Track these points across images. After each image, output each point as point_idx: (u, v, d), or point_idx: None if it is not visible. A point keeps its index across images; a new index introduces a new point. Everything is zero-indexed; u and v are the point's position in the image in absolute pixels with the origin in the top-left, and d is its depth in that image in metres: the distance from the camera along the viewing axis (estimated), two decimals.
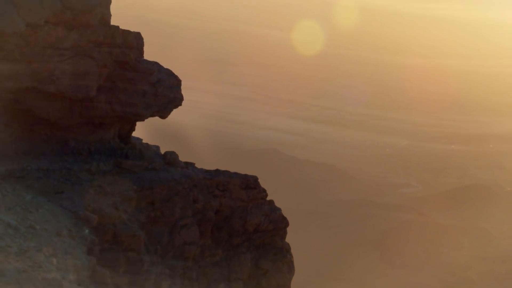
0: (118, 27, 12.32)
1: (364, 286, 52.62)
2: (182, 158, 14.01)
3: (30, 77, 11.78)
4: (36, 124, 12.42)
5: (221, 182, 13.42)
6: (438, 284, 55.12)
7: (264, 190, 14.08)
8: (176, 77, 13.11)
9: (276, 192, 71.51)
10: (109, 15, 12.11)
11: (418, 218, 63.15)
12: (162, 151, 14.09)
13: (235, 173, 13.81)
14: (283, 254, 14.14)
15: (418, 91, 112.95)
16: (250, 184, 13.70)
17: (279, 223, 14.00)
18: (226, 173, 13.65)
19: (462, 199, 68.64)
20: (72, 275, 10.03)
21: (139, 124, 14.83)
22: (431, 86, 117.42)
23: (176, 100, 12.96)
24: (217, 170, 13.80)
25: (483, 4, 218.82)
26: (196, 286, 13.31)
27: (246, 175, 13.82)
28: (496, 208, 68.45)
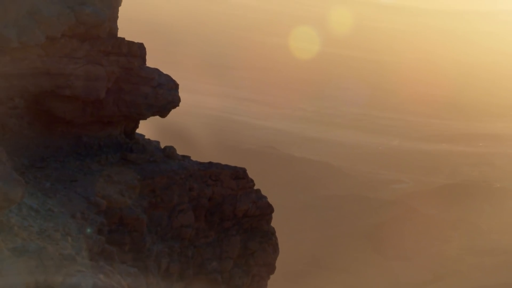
0: (124, 38, 13.11)
1: (357, 275, 52.16)
2: (187, 154, 14.37)
3: (49, 82, 12.41)
4: (54, 122, 13.03)
5: (213, 173, 13.96)
6: (429, 275, 54.67)
7: (252, 180, 14.53)
8: (174, 81, 13.84)
9: (274, 187, 71.91)
10: (116, 29, 12.91)
11: (410, 212, 62.48)
12: (170, 149, 14.29)
13: (226, 165, 14.28)
14: (268, 237, 14.71)
15: (410, 93, 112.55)
16: (239, 174, 14.24)
17: (265, 209, 14.56)
18: (218, 165, 14.17)
19: (452, 195, 67.64)
20: (84, 251, 10.56)
21: (150, 123, 15.47)
22: (422, 88, 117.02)
23: (174, 101, 13.68)
24: (210, 162, 14.26)
25: (474, 13, 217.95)
26: (191, 263, 13.75)
27: (236, 167, 14.34)
28: (486, 204, 67.41)
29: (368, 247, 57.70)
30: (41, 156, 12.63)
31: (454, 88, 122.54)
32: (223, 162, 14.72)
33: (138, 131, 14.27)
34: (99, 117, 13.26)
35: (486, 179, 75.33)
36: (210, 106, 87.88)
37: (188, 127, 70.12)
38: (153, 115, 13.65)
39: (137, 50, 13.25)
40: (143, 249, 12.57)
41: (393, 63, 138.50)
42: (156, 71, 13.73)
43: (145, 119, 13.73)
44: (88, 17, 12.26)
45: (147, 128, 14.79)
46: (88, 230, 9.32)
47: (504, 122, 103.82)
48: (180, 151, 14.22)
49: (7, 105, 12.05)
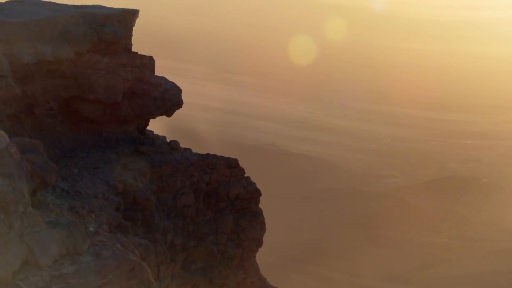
0: (137, 53, 13.74)
1: (351, 262, 52.55)
2: (195, 150, 14.95)
3: (77, 89, 13.21)
4: (80, 121, 13.73)
5: (210, 162, 14.59)
6: (419, 263, 54.62)
7: (243, 169, 15.05)
8: (178, 87, 14.68)
9: (275, 181, 72.50)
10: (131, 44, 13.75)
11: (401, 204, 62.08)
12: (175, 143, 14.83)
13: (221, 156, 14.90)
14: (257, 216, 15.31)
15: (401, 95, 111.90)
16: (232, 164, 14.89)
17: (254, 193, 15.16)
18: (214, 156, 14.77)
19: (441, 188, 66.89)
20: (105, 225, 11.18)
21: (164, 123, 16.29)
22: (413, 90, 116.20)
23: (178, 103, 14.57)
24: (207, 154, 14.81)
25: (461, 21, 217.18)
26: (192, 237, 14.38)
27: (229, 158, 14.93)
28: (473, 197, 66.51)
29: (362, 236, 57.78)
30: (70, 148, 13.39)
31: (443, 90, 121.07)
32: None
33: (150, 128, 14.97)
34: (116, 117, 13.96)
35: (474, 174, 74.26)
36: (217, 107, 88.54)
37: (197, 126, 70.98)
38: (161, 115, 14.38)
39: (148, 62, 14.02)
40: (152, 225, 13.22)
41: (385, 67, 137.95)
42: (163, 78, 14.45)
43: (154, 118, 14.53)
44: (108, 36, 13.04)
45: (160, 126, 15.91)
46: (91, 228, 9.44)
47: (490, 121, 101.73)
48: (190, 147, 14.91)
49: (44, 107, 12.96)
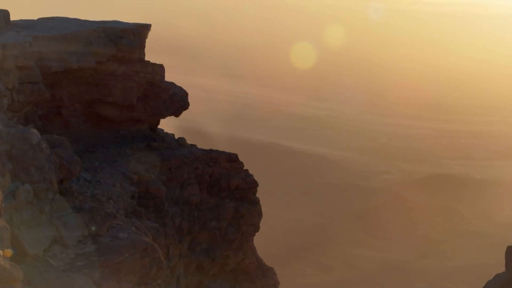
0: (149, 61, 14.53)
1: (350, 252, 52.31)
2: (205, 147, 15.50)
3: (98, 93, 14.01)
4: (101, 120, 14.42)
5: (213, 156, 15.19)
6: (414, 254, 54.09)
7: (242, 163, 15.57)
8: (184, 91, 15.38)
9: (278, 176, 72.84)
10: (144, 54, 14.53)
11: (397, 199, 61.36)
12: (182, 139, 15.56)
13: (223, 151, 15.48)
14: (254, 204, 15.80)
15: (397, 96, 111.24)
16: (232, 158, 15.47)
17: (252, 184, 15.71)
18: (216, 151, 15.42)
19: (436, 184, 66.01)
20: (122, 210, 11.77)
21: (174, 123, 16.91)
22: (408, 92, 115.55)
23: (185, 105, 15.28)
24: (211, 149, 15.46)
25: (454, 26, 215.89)
26: (197, 222, 14.98)
27: (230, 153, 15.52)
28: (467, 193, 65.57)
29: (360, 228, 57.23)
30: (92, 144, 14.02)
31: (437, 91, 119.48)
32: None
33: (161, 127, 15.52)
34: (131, 117, 14.62)
35: (468, 171, 73.41)
36: (224, 108, 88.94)
37: (206, 126, 71.64)
38: (170, 115, 15.09)
39: (158, 69, 14.78)
40: (162, 211, 13.73)
41: (381, 71, 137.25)
42: (172, 84, 15.13)
43: (164, 118, 15.19)
44: (124, 47, 13.81)
45: (170, 125, 16.66)
46: (93, 228, 9.45)
47: (483, 121, 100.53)
48: (199, 145, 15.50)
49: (70, 109, 13.76)
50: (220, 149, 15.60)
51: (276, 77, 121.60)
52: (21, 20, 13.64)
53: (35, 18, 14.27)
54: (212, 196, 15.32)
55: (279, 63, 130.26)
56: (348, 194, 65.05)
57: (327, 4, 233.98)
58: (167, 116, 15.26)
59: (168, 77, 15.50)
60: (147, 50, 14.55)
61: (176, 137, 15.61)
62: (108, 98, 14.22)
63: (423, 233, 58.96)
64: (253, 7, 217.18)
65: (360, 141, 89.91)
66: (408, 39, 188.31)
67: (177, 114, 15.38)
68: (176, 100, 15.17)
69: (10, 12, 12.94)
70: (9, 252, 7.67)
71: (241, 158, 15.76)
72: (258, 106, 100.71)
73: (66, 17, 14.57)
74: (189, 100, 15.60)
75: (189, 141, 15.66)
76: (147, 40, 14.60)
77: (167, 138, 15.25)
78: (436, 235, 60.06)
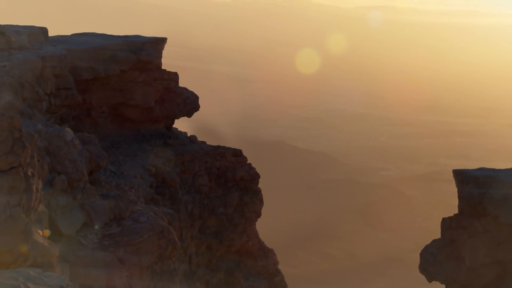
0: (165, 70, 15.24)
1: (351, 243, 51.95)
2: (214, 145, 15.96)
3: (121, 97, 14.75)
4: (124, 121, 15.12)
5: (220, 152, 15.79)
6: (411, 245, 52.82)
7: (245, 157, 16.15)
8: (195, 95, 16.15)
9: (284, 172, 72.61)
10: (161, 64, 15.13)
11: (395, 194, 60.89)
12: (193, 137, 16.24)
13: (229, 147, 16.09)
14: (256, 194, 16.37)
15: (395, 98, 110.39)
16: (237, 153, 16.05)
17: (254, 176, 16.27)
18: (223, 147, 16.03)
19: (432, 180, 65.33)
20: (142, 198, 12.42)
21: (191, 122, 17.48)
22: (406, 94, 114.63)
23: (196, 107, 15.97)
24: (218, 145, 16.07)
25: (451, 32, 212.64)
26: (206, 208, 15.53)
27: (235, 149, 16.12)
28: None
29: (360, 221, 56.65)
30: (117, 141, 14.75)
31: (434, 93, 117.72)
32: (243, 153, 16.22)
33: (178, 126, 16.28)
34: (150, 117, 15.26)
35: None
36: (234, 110, 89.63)
37: (218, 126, 72.57)
38: (183, 116, 15.86)
39: (173, 76, 15.46)
40: (177, 199, 14.36)
41: (381, 74, 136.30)
42: (185, 89, 16.17)
43: (178, 118, 15.92)
44: (144, 58, 14.62)
45: (184, 125, 17.49)
46: (96, 226, 9.65)
47: (478, 121, 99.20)
48: (213, 143, 15.99)
49: (98, 111, 14.59)
50: (231, 147, 16.07)
51: (282, 81, 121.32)
52: (57, 36, 14.58)
53: (69, 34, 15.21)
54: (219, 186, 15.87)
55: (285, 68, 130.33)
56: (349, 189, 64.34)
57: (330, 13, 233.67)
58: (180, 117, 16.03)
59: (184, 80, 16.17)
60: (165, 56, 15.24)
61: (189, 135, 16.45)
62: (130, 101, 14.93)
63: (421, 225, 58.76)
64: (261, 16, 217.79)
65: (360, 139, 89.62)
66: (406, 45, 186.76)
67: (189, 115, 16.12)
68: (188, 103, 15.94)
69: (48, 29, 13.94)
70: (47, 232, 8.27)
71: (249, 155, 16.19)
72: (266, 107, 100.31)
73: (95, 33, 15.53)
74: (203, 102, 16.32)
75: (203, 139, 16.16)
76: (165, 47, 15.28)
77: (181, 136, 15.99)
78: (432, 227, 58.98)
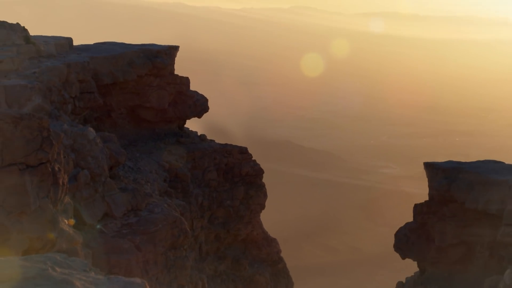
0: (178, 75, 15.70)
1: (353, 237, 51.88)
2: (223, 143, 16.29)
3: (139, 99, 15.19)
4: (141, 121, 15.49)
5: (228, 149, 16.12)
6: None
7: (251, 155, 16.43)
8: (205, 97, 16.59)
9: (290, 170, 72.53)
10: (174, 69, 15.64)
11: (396, 190, 60.47)
12: (203, 136, 16.50)
13: (235, 145, 16.47)
14: (261, 188, 16.64)
15: (396, 100, 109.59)
16: (243, 151, 16.40)
17: (259, 171, 16.54)
18: (230, 145, 16.40)
19: None
20: (156, 191, 12.70)
21: (203, 123, 17.83)
22: (406, 95, 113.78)
23: (205, 109, 16.44)
24: (226, 143, 16.45)
25: (450, 37, 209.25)
26: (215, 201, 15.91)
27: (241, 147, 16.47)
28: None
29: (362, 216, 56.40)
30: (134, 139, 15.13)
31: (434, 95, 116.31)
32: (252, 151, 16.46)
33: (189, 126, 16.61)
34: (164, 118, 15.62)
35: None
36: (243, 111, 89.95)
37: (228, 125, 72.86)
38: (194, 117, 16.34)
39: (185, 81, 15.89)
40: (188, 192, 14.69)
41: (382, 77, 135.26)
42: (195, 92, 16.69)
43: (189, 119, 16.35)
44: (159, 64, 15.04)
45: (195, 125, 17.93)
46: (98, 226, 9.60)
47: (477, 122, 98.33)
48: (222, 142, 16.27)
49: (117, 112, 15.05)
50: (238, 145, 16.25)
51: (288, 84, 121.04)
52: (81, 45, 15.15)
53: (92, 43, 15.78)
54: (227, 181, 16.21)
55: (290, 71, 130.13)
56: (352, 185, 63.79)
57: (333, 20, 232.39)
58: (191, 118, 16.48)
59: (195, 83, 16.57)
60: (178, 61, 15.58)
61: (199, 134, 17.03)
62: (146, 104, 15.31)
63: None
64: (268, 23, 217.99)
65: (362, 139, 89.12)
66: (406, 49, 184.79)
67: (199, 116, 16.61)
68: (198, 105, 16.34)
69: (73, 39, 14.55)
70: (72, 221, 8.53)
71: (257, 154, 16.43)
72: (272, 109, 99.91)
73: (114, 42, 16.04)
74: (213, 104, 16.77)
75: (213, 138, 16.45)
76: (178, 53, 15.61)
77: (192, 134, 16.39)
78: None
